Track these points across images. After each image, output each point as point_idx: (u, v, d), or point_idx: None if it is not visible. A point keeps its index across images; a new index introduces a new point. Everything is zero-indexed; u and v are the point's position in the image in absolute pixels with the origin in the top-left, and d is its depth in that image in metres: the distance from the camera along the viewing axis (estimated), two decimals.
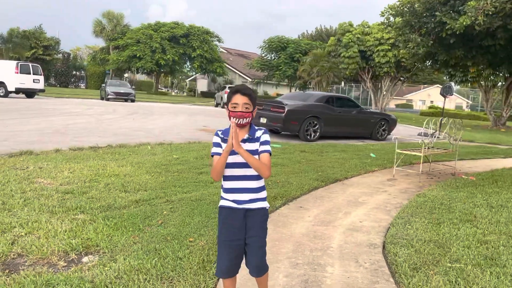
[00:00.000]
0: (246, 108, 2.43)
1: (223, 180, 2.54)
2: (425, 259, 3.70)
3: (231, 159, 2.45)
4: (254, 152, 2.44)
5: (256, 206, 2.50)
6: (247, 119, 2.45)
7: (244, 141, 2.46)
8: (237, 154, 2.40)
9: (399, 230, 4.48)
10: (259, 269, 2.56)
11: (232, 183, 2.50)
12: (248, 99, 2.45)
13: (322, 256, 3.76)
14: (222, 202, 2.56)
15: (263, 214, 2.54)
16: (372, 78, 33.24)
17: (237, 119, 2.42)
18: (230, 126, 2.46)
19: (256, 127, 2.55)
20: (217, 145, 2.51)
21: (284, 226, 4.52)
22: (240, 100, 2.43)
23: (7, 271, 3.02)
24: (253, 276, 2.59)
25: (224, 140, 2.46)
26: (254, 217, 2.50)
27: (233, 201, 2.50)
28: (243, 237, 2.49)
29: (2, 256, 3.22)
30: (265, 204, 2.54)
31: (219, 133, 2.53)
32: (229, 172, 2.48)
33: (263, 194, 2.56)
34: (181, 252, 3.46)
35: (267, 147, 2.49)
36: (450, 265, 3.60)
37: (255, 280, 2.69)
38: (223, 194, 2.56)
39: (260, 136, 2.49)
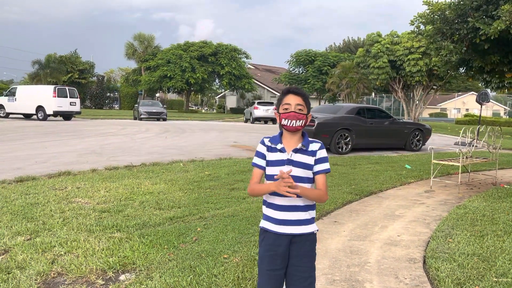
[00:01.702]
0: (300, 109, 2.18)
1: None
2: (469, 273, 3.53)
3: (276, 171, 2.15)
4: (305, 166, 2.18)
5: (304, 230, 2.20)
6: (301, 121, 2.18)
7: (296, 150, 2.19)
8: (285, 164, 2.16)
9: (440, 243, 4.31)
10: None
11: (277, 199, 2.20)
12: (302, 99, 2.20)
13: (360, 272, 3.65)
14: (266, 224, 2.24)
15: (312, 240, 2.24)
16: (403, 87, 32.62)
17: (290, 121, 2.17)
18: (279, 133, 2.26)
19: (311, 139, 2.26)
20: (261, 155, 2.24)
21: (319, 241, 4.41)
22: (293, 100, 2.19)
23: None
24: None
25: (271, 149, 2.22)
26: (300, 243, 2.20)
27: (280, 221, 2.20)
28: (285, 266, 2.22)
29: (43, 275, 3.30)
30: (313, 228, 2.23)
31: (266, 140, 2.26)
32: None
33: (312, 213, 2.25)
34: (216, 269, 3.44)
35: (326, 166, 2.22)
36: (496, 279, 3.42)
37: None
38: (266, 211, 2.27)
39: (317, 151, 2.21)
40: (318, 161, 2.21)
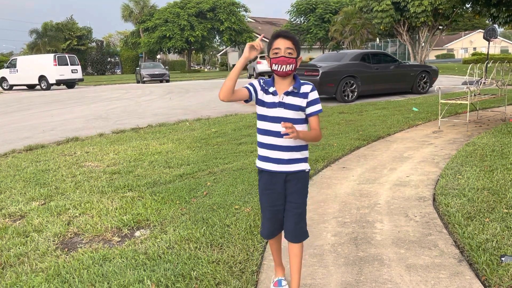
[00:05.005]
0: (289, 53, 2.20)
1: (259, 134, 2.35)
2: (479, 207, 3.55)
3: (268, 112, 2.26)
4: (297, 108, 2.24)
5: (296, 168, 2.31)
6: (291, 65, 2.21)
7: (287, 93, 2.24)
8: (277, 107, 2.24)
9: (449, 181, 4.31)
10: (296, 235, 2.38)
11: (272, 140, 2.28)
12: (292, 43, 2.21)
13: (370, 213, 3.69)
14: (261, 164, 2.37)
15: (304, 178, 2.37)
16: (408, 30, 31.69)
17: (280, 66, 2.20)
18: (271, 77, 2.31)
19: (303, 81, 2.30)
20: (253, 86, 2.30)
21: (328, 187, 4.47)
22: (282, 44, 2.21)
23: (66, 249, 3.17)
24: (289, 240, 2.40)
25: (265, 90, 2.28)
26: (294, 181, 2.33)
27: (275, 160, 2.30)
28: (283, 202, 2.36)
29: (60, 236, 3.39)
30: (305, 166, 2.34)
31: (261, 81, 2.32)
32: (266, 126, 2.29)
33: (305, 153, 2.36)
34: (228, 220, 3.50)
35: (318, 107, 2.29)
36: (506, 211, 3.44)
37: (288, 251, 2.43)
38: (260, 151, 2.37)
39: (308, 93, 2.27)
40: (311, 103, 2.27)
